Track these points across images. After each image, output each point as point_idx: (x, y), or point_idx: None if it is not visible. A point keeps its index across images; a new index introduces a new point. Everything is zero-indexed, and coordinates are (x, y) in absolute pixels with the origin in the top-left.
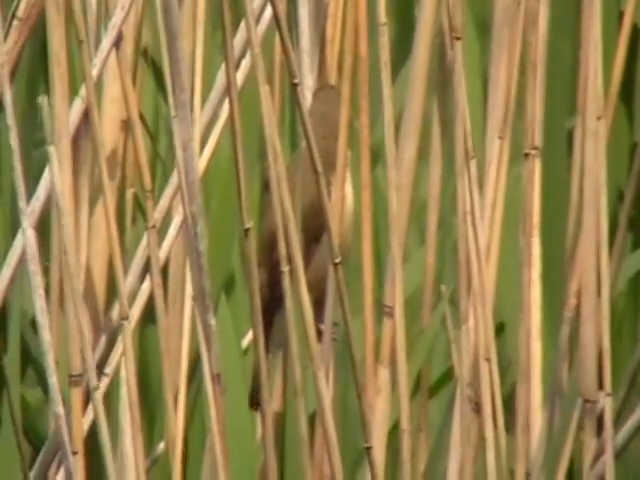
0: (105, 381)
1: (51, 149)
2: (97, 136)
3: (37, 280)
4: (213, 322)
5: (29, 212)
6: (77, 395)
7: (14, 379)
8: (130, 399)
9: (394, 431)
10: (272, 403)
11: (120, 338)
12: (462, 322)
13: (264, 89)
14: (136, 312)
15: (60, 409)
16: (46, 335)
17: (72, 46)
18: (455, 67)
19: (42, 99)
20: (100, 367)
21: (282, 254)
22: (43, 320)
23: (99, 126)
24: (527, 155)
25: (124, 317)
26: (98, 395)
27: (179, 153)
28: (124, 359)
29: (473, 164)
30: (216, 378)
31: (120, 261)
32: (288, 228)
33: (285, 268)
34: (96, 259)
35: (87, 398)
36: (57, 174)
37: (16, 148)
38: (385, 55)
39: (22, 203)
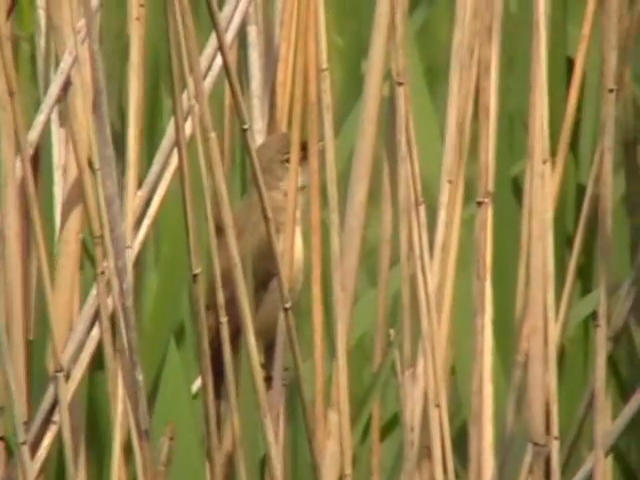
0: (53, 429)
1: None
2: (29, 190)
3: None
4: (140, 378)
5: None
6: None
7: None
8: (68, 454)
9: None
10: (222, 449)
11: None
12: (406, 367)
13: (212, 137)
14: (85, 358)
15: None
16: None
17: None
18: (398, 112)
19: None
20: (51, 414)
21: (220, 304)
22: None
23: (31, 181)
24: (480, 203)
25: (58, 369)
26: (24, 449)
27: (103, 209)
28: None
29: (422, 209)
30: (144, 434)
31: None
32: (234, 274)
33: (223, 319)
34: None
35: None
36: None
37: None
38: (327, 99)
39: None
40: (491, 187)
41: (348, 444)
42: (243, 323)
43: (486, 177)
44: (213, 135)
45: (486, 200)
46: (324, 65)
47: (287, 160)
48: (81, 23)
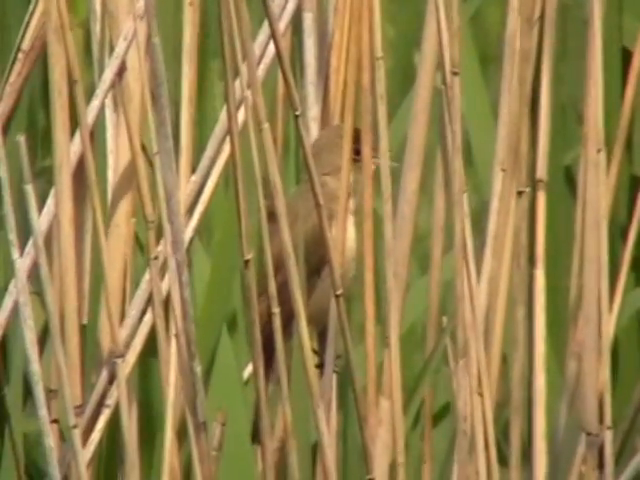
0: (107, 413)
1: (28, 187)
2: (91, 176)
3: (26, 311)
4: (198, 370)
5: (18, 243)
6: (79, 427)
7: (16, 410)
8: (126, 437)
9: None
10: (274, 436)
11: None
12: (458, 356)
13: (265, 127)
14: (138, 343)
15: (50, 441)
16: (35, 367)
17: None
18: (453, 101)
19: (20, 138)
20: (103, 398)
21: (272, 294)
22: (32, 352)
23: (93, 167)
24: (521, 192)
25: (119, 355)
26: (75, 433)
27: (162, 202)
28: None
29: (465, 197)
30: (201, 426)
31: (115, 299)
32: (287, 263)
33: (276, 309)
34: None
35: (90, 429)
36: (34, 213)
37: (5, 181)
38: (381, 88)
39: (12, 235)
40: (543, 174)
41: (400, 432)
42: (295, 311)
43: (528, 165)
44: (267, 125)
45: (527, 190)
46: (379, 54)
47: (356, 151)
48: (138, 5)
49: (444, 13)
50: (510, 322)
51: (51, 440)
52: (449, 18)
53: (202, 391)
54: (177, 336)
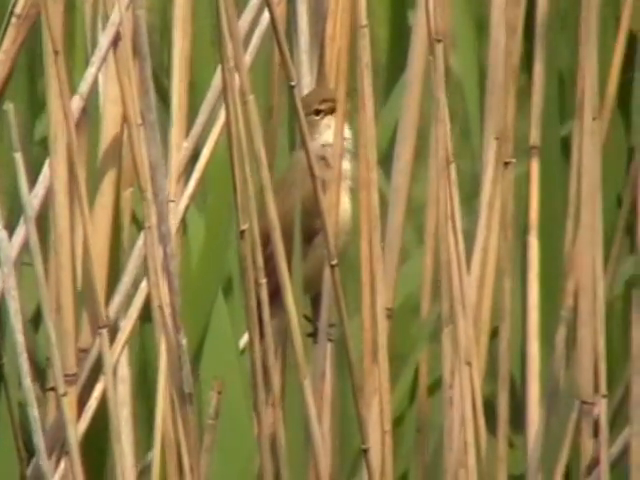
0: (104, 380)
1: (17, 156)
2: (73, 144)
3: (11, 282)
4: (184, 342)
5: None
6: (72, 395)
7: (12, 379)
8: (114, 409)
9: (393, 432)
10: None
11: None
12: (444, 325)
13: (250, 99)
14: (135, 311)
15: (35, 412)
16: (19, 337)
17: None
18: (436, 69)
19: (8, 106)
20: (98, 367)
21: (259, 266)
22: (16, 322)
23: (75, 137)
24: (509, 162)
25: (104, 325)
26: (65, 401)
27: (147, 173)
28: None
29: (453, 168)
30: (187, 397)
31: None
32: (273, 235)
33: (262, 280)
34: (96, 257)
35: (84, 398)
36: (23, 181)
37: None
38: (366, 57)
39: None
40: (536, 140)
41: (387, 400)
42: (282, 285)
43: (521, 135)
44: (252, 97)
45: (513, 160)
46: (363, 22)
47: (316, 112)
48: None
49: None
50: (499, 292)
51: (35, 410)
52: None
53: (187, 363)
54: (161, 308)
